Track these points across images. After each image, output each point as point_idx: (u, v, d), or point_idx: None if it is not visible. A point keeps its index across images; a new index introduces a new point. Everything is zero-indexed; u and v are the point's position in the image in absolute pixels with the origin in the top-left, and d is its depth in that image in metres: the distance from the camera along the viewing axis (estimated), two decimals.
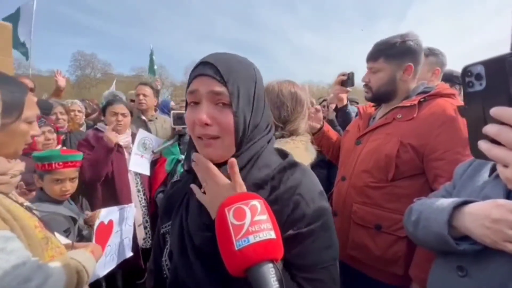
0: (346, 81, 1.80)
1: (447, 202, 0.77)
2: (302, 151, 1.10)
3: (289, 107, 1.15)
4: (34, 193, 1.48)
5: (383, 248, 1.20)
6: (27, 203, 0.96)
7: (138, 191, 2.22)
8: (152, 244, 2.22)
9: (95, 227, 1.41)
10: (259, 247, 0.43)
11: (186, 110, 0.64)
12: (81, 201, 2.13)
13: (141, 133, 2.23)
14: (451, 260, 0.75)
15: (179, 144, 2.27)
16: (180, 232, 0.61)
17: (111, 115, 2.16)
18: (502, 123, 0.40)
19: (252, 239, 0.43)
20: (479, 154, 0.46)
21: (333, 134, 1.66)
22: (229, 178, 0.57)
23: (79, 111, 3.16)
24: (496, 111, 0.40)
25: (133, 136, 2.24)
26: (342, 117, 2.16)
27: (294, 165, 0.64)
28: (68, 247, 1.02)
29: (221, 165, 0.60)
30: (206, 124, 0.56)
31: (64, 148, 2.27)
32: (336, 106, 2.21)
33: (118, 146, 2.12)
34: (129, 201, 2.04)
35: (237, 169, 0.55)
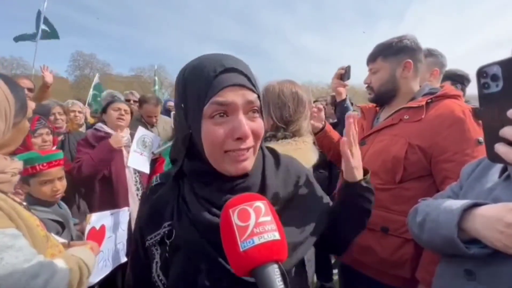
0: (344, 74, 1.82)
1: (455, 204, 0.75)
2: (305, 152, 1.10)
3: (291, 108, 1.14)
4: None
5: (390, 251, 1.18)
6: (25, 203, 0.97)
7: (137, 189, 2.20)
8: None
9: (86, 233, 1.38)
10: (264, 248, 0.43)
11: (189, 117, 0.57)
12: (78, 202, 2.12)
13: (141, 131, 2.22)
14: (459, 263, 0.73)
15: None
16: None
17: (113, 110, 2.15)
18: None
19: (257, 240, 0.43)
20: (495, 157, 0.44)
21: (334, 134, 1.64)
22: None
23: (79, 111, 3.15)
24: None
25: (132, 136, 2.22)
26: (341, 111, 2.15)
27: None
28: (65, 246, 1.03)
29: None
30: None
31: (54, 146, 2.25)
32: (335, 101, 2.22)
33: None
34: (126, 200, 2.02)
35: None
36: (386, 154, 1.21)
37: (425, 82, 1.46)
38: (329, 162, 2.47)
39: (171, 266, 0.58)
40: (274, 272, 0.43)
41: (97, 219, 1.47)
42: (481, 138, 1.08)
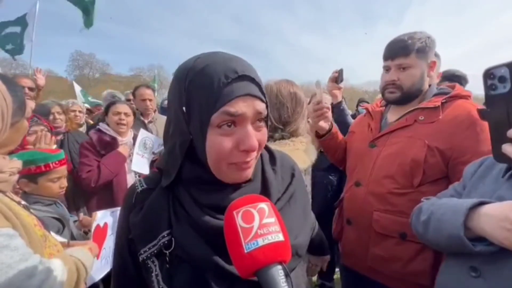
0: (338, 77, 1.87)
1: (461, 203, 0.76)
2: (302, 152, 1.10)
3: (289, 108, 1.14)
4: None
5: (409, 258, 1.13)
6: (23, 202, 0.97)
7: None
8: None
9: (92, 230, 1.40)
10: (268, 250, 0.43)
11: (193, 123, 0.53)
12: (78, 204, 2.12)
13: (142, 133, 2.24)
14: (464, 260, 0.74)
15: None
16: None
17: (113, 115, 2.16)
18: None
19: (261, 241, 0.43)
20: (502, 158, 0.44)
21: (340, 135, 1.58)
22: None
23: (79, 111, 3.15)
24: None
25: (135, 138, 2.23)
26: (337, 113, 2.17)
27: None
28: (64, 245, 1.03)
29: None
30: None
31: (55, 145, 2.26)
32: (332, 103, 2.22)
33: None
34: None
35: None
36: (403, 157, 1.16)
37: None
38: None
39: (175, 277, 0.54)
40: (278, 273, 0.43)
41: (101, 216, 1.50)
42: None
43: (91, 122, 3.58)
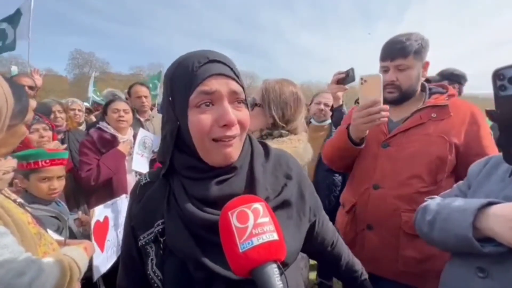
0: (345, 78, 1.76)
1: (468, 202, 0.75)
2: (300, 150, 1.11)
3: (292, 107, 1.15)
4: None
5: (442, 253, 1.06)
6: (19, 200, 0.97)
7: None
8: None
9: (92, 227, 1.40)
10: (262, 249, 0.44)
11: (177, 109, 0.59)
12: (79, 202, 2.14)
13: (142, 133, 2.25)
14: (471, 261, 0.74)
15: None
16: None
17: (113, 112, 2.17)
18: None
19: (255, 241, 0.44)
20: None
21: None
22: None
23: (79, 110, 3.15)
24: None
25: (135, 136, 2.23)
26: (337, 116, 2.15)
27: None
28: (61, 244, 1.02)
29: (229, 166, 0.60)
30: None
31: (65, 145, 2.29)
32: (332, 106, 2.21)
33: None
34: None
35: None
36: (427, 155, 1.17)
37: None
38: None
39: (165, 264, 0.59)
40: (273, 272, 0.44)
41: (100, 212, 1.50)
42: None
43: (94, 119, 3.58)
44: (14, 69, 4.88)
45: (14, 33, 4.78)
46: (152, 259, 0.61)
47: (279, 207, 0.62)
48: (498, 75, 0.46)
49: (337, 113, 2.15)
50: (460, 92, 2.61)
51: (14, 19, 4.86)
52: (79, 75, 35.34)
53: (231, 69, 0.59)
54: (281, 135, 1.13)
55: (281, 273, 0.45)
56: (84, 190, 2.10)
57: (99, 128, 2.19)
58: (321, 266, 2.51)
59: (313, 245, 0.75)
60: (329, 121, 2.56)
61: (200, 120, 0.56)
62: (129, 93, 2.92)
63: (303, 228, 0.68)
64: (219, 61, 0.57)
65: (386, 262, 1.23)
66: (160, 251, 0.60)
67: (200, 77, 0.55)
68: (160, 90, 4.57)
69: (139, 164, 2.17)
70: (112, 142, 2.14)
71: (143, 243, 0.62)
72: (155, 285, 0.60)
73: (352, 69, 1.73)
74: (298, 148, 1.10)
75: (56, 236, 1.09)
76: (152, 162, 2.32)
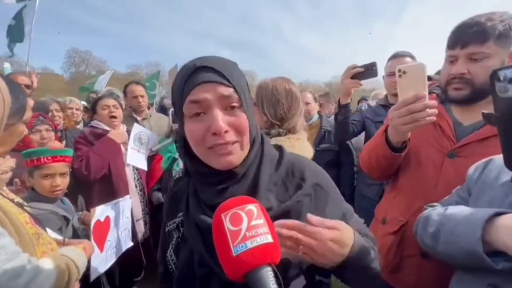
0: (363, 72, 1.55)
1: (474, 213, 0.70)
2: (299, 150, 1.11)
3: (285, 105, 1.14)
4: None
5: None
6: (18, 199, 0.97)
7: (136, 186, 2.25)
8: (150, 238, 2.33)
9: (91, 226, 1.40)
10: (257, 252, 0.43)
11: (178, 118, 0.62)
12: (77, 200, 2.13)
13: (137, 128, 2.24)
14: (481, 277, 0.69)
15: (175, 142, 2.27)
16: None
17: (102, 109, 2.17)
18: None
19: (249, 244, 0.43)
20: None
21: None
22: None
23: (77, 109, 3.14)
24: None
25: (128, 132, 2.24)
26: (344, 114, 1.98)
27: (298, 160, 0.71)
28: (60, 243, 1.02)
29: (233, 170, 0.60)
30: (225, 132, 0.55)
31: (64, 141, 2.29)
32: (339, 102, 1.97)
33: None
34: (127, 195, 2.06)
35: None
36: None
37: None
38: (338, 161, 2.43)
39: (180, 251, 0.67)
40: (267, 275, 0.43)
41: (101, 211, 1.50)
42: None
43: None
44: (7, 66, 4.83)
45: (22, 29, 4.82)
46: (172, 244, 0.69)
47: (280, 217, 0.58)
48: (497, 77, 0.44)
49: (343, 111, 1.95)
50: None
51: (19, 16, 4.90)
52: (75, 74, 35.08)
53: (220, 73, 0.57)
54: (279, 134, 1.12)
55: (276, 276, 0.43)
56: (85, 186, 2.09)
57: (92, 126, 2.22)
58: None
59: None
60: (317, 116, 2.59)
61: (192, 131, 0.58)
62: (124, 92, 2.90)
63: None
64: (207, 67, 0.57)
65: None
66: (179, 239, 0.68)
67: (187, 88, 0.56)
68: (158, 90, 4.51)
69: (135, 158, 2.16)
70: (104, 135, 2.15)
71: (169, 229, 0.71)
72: (170, 267, 0.68)
73: (374, 63, 1.51)
74: (296, 147, 1.09)
75: (55, 236, 1.09)
76: (149, 159, 2.33)
